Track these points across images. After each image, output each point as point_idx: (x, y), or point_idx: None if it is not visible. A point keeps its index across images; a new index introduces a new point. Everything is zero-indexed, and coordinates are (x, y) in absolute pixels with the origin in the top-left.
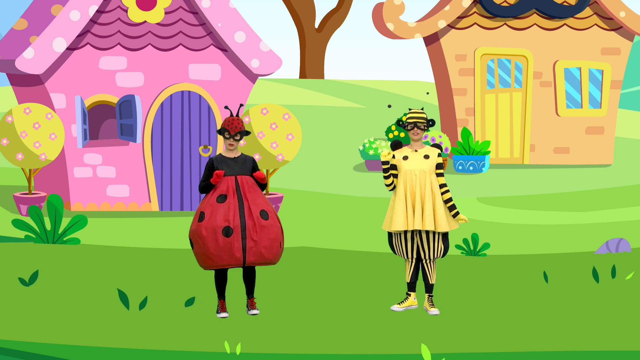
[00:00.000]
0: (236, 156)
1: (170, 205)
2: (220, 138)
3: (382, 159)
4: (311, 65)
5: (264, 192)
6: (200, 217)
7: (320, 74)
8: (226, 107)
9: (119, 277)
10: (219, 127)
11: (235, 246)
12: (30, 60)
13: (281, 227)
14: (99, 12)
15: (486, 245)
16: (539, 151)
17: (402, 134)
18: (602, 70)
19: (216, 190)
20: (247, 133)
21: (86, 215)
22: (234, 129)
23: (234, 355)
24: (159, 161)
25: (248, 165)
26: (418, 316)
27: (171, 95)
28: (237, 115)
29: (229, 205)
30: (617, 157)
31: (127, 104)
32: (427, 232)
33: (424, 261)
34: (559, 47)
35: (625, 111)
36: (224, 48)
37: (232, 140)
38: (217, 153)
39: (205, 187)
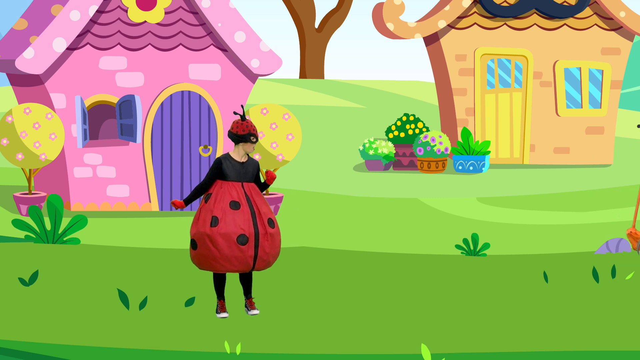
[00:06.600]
0: (245, 160)
1: (170, 206)
2: (220, 138)
3: None
4: (311, 65)
5: (264, 193)
6: (213, 221)
7: (320, 74)
8: (235, 113)
9: (119, 277)
10: (240, 132)
11: (248, 254)
12: (30, 60)
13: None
14: (99, 12)
15: (486, 245)
16: (539, 151)
17: (402, 134)
18: (602, 70)
19: (226, 196)
20: None
21: (86, 215)
22: (255, 130)
23: (234, 355)
24: (159, 161)
25: (251, 171)
26: (418, 316)
27: (171, 95)
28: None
29: (243, 212)
30: (617, 157)
31: (127, 104)
32: None
33: None
34: (559, 47)
35: (625, 111)
36: (224, 48)
37: (255, 143)
38: (225, 153)
39: (199, 189)
